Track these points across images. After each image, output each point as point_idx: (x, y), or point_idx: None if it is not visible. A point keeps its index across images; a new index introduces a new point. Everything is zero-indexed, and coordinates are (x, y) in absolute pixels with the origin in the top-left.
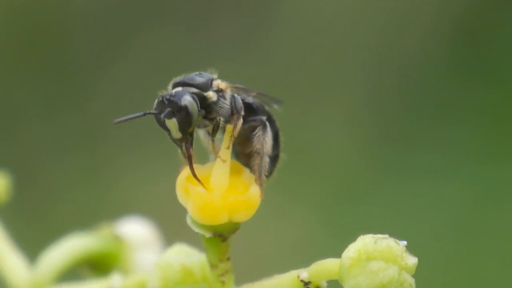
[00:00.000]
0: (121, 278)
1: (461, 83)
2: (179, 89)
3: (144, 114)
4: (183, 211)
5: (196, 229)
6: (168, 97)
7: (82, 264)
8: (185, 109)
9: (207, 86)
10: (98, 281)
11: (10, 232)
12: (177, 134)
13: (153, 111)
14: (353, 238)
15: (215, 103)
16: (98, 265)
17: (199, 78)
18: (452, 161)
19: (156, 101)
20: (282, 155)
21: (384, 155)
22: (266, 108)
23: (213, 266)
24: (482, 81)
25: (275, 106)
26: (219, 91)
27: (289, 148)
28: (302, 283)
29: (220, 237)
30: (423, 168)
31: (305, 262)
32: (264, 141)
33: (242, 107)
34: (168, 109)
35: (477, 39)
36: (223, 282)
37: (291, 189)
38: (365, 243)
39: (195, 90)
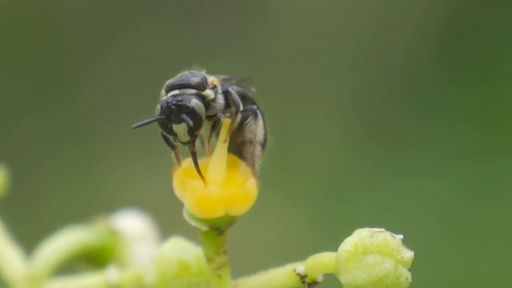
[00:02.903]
0: (117, 271)
1: (449, 81)
2: (176, 91)
3: (156, 119)
4: (177, 206)
5: (193, 223)
6: (174, 102)
7: (78, 258)
8: (193, 112)
9: (203, 85)
10: (94, 275)
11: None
12: (185, 138)
13: (161, 116)
14: (341, 236)
15: (213, 100)
16: (94, 259)
17: (195, 78)
18: (440, 159)
19: (160, 106)
20: (270, 138)
21: (371, 153)
22: (250, 94)
23: (209, 259)
24: (470, 79)
25: (252, 89)
26: (214, 87)
27: (278, 147)
28: (298, 277)
29: (216, 230)
30: (410, 166)
31: (294, 259)
32: (256, 130)
33: (240, 102)
34: (176, 114)
35: (465, 37)
36: (219, 276)
37: (280, 186)
38: (361, 236)
39: (194, 91)
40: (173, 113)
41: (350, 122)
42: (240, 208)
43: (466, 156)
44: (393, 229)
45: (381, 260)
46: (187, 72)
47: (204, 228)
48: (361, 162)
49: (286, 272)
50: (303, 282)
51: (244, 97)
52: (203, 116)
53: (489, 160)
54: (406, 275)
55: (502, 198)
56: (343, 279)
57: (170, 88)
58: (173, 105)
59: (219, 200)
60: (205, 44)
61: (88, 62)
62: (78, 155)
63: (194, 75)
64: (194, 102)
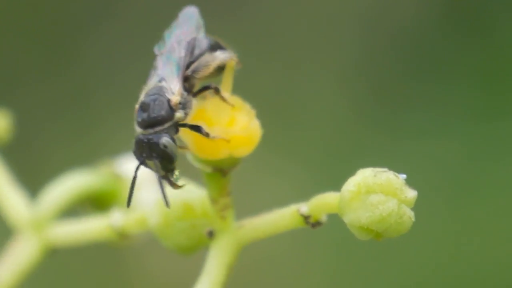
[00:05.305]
0: (122, 215)
1: (454, 42)
2: (150, 131)
3: (136, 170)
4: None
5: (197, 165)
6: (145, 139)
7: (82, 202)
8: (164, 151)
9: (171, 112)
10: (99, 218)
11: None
12: (160, 172)
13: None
14: None
15: (186, 114)
16: (98, 202)
17: (160, 111)
18: (444, 120)
19: (134, 141)
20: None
21: (376, 114)
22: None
23: (213, 201)
24: (476, 40)
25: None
26: (179, 104)
27: (281, 107)
28: (302, 217)
29: (220, 172)
30: (415, 127)
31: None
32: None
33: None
34: (147, 151)
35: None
36: (223, 217)
37: (283, 146)
38: (364, 176)
39: (166, 125)
40: (145, 149)
41: (354, 83)
42: (243, 149)
43: (470, 117)
44: None
45: (384, 200)
46: (144, 98)
47: (208, 169)
48: (366, 122)
49: (290, 212)
50: (307, 222)
51: (215, 45)
52: (176, 154)
53: (494, 120)
54: (409, 214)
55: (507, 158)
56: (347, 219)
57: (141, 125)
58: (145, 142)
59: (223, 141)
60: (203, 2)
61: (88, 27)
62: (78, 118)
63: (158, 106)
64: (165, 140)
